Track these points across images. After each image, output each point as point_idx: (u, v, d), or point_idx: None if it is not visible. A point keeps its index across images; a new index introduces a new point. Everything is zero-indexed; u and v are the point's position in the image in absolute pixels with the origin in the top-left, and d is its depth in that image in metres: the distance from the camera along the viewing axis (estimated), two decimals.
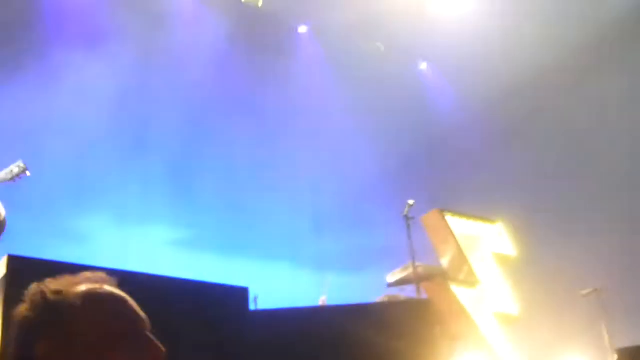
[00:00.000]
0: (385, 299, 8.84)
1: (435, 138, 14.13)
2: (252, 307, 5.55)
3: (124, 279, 1.75)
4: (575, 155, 12.74)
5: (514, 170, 13.12)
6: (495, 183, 12.64)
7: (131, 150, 11.85)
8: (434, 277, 9.07)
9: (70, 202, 11.13)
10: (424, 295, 8.74)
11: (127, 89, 11.74)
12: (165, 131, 12.30)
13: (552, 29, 12.79)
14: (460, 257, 9.25)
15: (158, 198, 11.94)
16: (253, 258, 12.53)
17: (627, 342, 8.43)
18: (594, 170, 12.25)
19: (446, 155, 13.95)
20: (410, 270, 8.74)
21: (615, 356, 7.57)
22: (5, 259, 3.72)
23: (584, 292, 10.12)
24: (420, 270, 8.77)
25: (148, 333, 1.66)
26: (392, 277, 9.20)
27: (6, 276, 3.65)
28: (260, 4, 13.31)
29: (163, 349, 1.65)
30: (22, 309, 1.63)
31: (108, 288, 1.68)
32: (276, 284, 10.84)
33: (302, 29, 14.02)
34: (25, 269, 3.63)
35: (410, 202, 8.88)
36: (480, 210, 10.20)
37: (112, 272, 1.76)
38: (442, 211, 9.55)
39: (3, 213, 5.95)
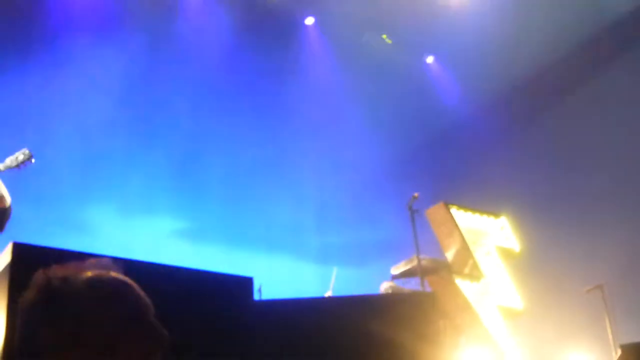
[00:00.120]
0: (387, 286, 8.87)
1: (440, 131, 14.11)
2: (256, 297, 5.56)
3: (129, 267, 1.75)
4: (581, 150, 12.71)
5: (519, 165, 13.10)
6: (500, 177, 12.63)
7: (137, 141, 11.85)
8: (438, 270, 9.08)
9: (75, 192, 11.14)
10: (428, 289, 8.75)
11: (135, 79, 11.74)
12: (171, 122, 12.31)
13: (559, 23, 12.74)
14: (465, 251, 9.24)
15: (163, 189, 11.94)
16: (257, 250, 12.53)
17: (631, 337, 8.42)
18: (599, 166, 12.23)
19: (451, 148, 13.93)
20: (414, 263, 8.75)
21: (619, 352, 7.55)
22: (10, 247, 3.72)
23: (587, 288, 10.12)
24: (424, 263, 8.77)
25: (152, 319, 1.66)
26: (396, 270, 9.21)
27: (11, 263, 3.65)
28: None
29: (166, 334, 1.65)
30: (28, 295, 1.63)
31: (114, 274, 1.68)
32: (280, 276, 10.85)
33: (309, 21, 13.99)
34: (30, 257, 3.62)
35: (415, 195, 8.87)
36: (485, 204, 10.20)
37: (116, 261, 1.75)
38: (447, 204, 9.54)
39: (9, 200, 5.97)
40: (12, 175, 6.19)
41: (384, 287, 9.20)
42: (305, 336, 4.86)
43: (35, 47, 11.02)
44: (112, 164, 11.63)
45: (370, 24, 13.85)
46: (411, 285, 9.07)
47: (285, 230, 12.95)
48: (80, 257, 1.74)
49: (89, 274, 1.64)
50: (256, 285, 5.01)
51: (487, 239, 9.70)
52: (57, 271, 1.64)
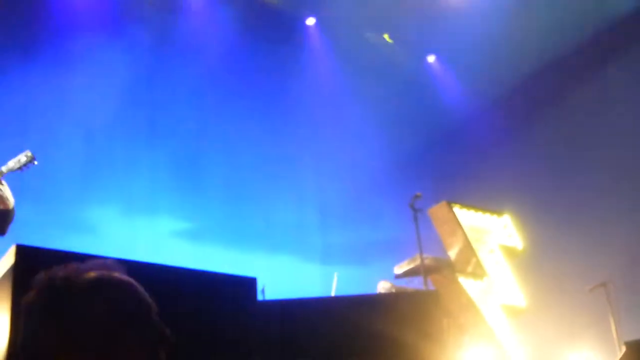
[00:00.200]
0: (385, 285, 8.87)
1: (443, 130, 14.12)
2: (259, 297, 5.55)
3: (131, 268, 1.75)
4: (583, 148, 12.71)
5: (521, 163, 13.10)
6: (503, 176, 12.63)
7: (139, 141, 11.85)
8: (441, 269, 9.08)
9: (77, 193, 11.15)
10: (431, 287, 8.74)
11: (136, 80, 11.75)
12: (173, 123, 12.32)
13: (561, 22, 12.74)
14: (468, 250, 9.24)
15: (165, 189, 11.95)
16: (259, 250, 12.53)
17: (635, 335, 8.41)
18: (601, 163, 12.22)
19: (454, 147, 13.94)
20: (417, 262, 8.74)
21: (623, 349, 7.54)
22: (13, 249, 3.71)
23: (591, 286, 10.11)
24: (427, 262, 8.77)
25: (155, 319, 1.66)
26: (399, 269, 9.21)
27: (14, 266, 3.64)
28: None
29: (170, 334, 1.65)
30: (30, 296, 1.63)
31: (116, 274, 1.68)
32: (283, 277, 10.85)
33: (310, 21, 13.99)
34: (33, 259, 3.62)
35: (418, 194, 8.87)
36: (487, 203, 10.19)
37: (119, 262, 1.75)
38: (450, 203, 9.53)
39: (12, 201, 5.97)
40: (15, 177, 6.20)
41: (381, 285, 9.21)
42: (309, 336, 4.86)
43: (37, 47, 11.04)
44: (114, 165, 11.63)
45: (371, 23, 13.86)
46: (414, 284, 9.08)
47: (287, 230, 12.95)
48: (84, 258, 1.74)
49: (92, 274, 1.64)
50: (260, 286, 5.00)
51: (490, 238, 9.69)
52: (59, 272, 1.64)
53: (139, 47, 11.89)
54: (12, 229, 6.03)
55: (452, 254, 9.34)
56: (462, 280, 8.96)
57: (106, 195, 11.54)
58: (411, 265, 9.00)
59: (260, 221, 12.81)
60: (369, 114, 13.48)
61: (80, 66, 11.28)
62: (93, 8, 11.67)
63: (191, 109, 12.45)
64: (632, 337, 8.23)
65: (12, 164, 6.17)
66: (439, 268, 9.06)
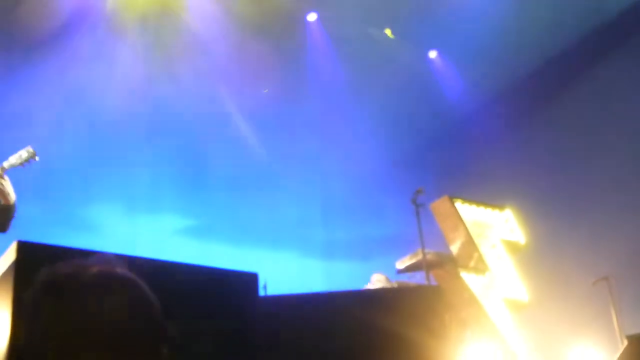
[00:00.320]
0: (379, 279, 8.88)
1: (444, 125, 14.12)
2: (261, 293, 5.55)
3: (132, 264, 1.75)
4: (586, 142, 12.70)
5: (523, 157, 13.09)
6: (505, 170, 12.63)
7: (142, 138, 11.86)
8: (443, 264, 9.07)
9: (80, 190, 11.17)
10: (433, 283, 8.74)
11: (140, 77, 11.76)
12: (176, 120, 12.32)
13: (561, 17, 12.73)
14: (470, 244, 9.24)
15: (168, 187, 11.96)
16: (262, 246, 12.55)
17: (638, 329, 8.41)
18: (604, 157, 12.22)
19: (456, 142, 13.94)
20: (419, 257, 8.74)
21: (625, 343, 7.55)
22: (15, 245, 3.72)
23: (593, 280, 10.11)
24: (429, 257, 8.77)
25: (158, 314, 1.66)
26: (401, 264, 9.21)
27: (16, 262, 3.65)
28: None
29: (172, 330, 1.66)
30: (33, 291, 1.63)
31: (119, 270, 1.68)
32: (285, 273, 10.87)
33: (312, 17, 13.99)
34: (35, 255, 3.63)
35: (420, 189, 8.87)
36: (489, 197, 10.20)
37: (121, 258, 1.75)
38: (452, 198, 9.53)
39: (13, 197, 5.98)
40: (16, 173, 6.20)
41: (376, 278, 9.22)
42: (311, 331, 4.86)
43: (41, 46, 11.05)
44: (117, 162, 11.65)
45: (373, 19, 13.84)
46: (416, 279, 9.08)
47: (290, 226, 12.97)
48: (86, 255, 1.74)
49: (95, 270, 1.64)
50: (261, 282, 5.00)
51: (492, 232, 9.70)
52: (62, 268, 1.64)
53: (142, 45, 11.90)
54: (14, 226, 6.04)
55: (454, 248, 9.34)
56: (464, 275, 8.96)
57: (109, 192, 11.56)
58: (413, 260, 9.00)
59: (263, 217, 12.83)
60: (371, 110, 13.48)
61: (84, 64, 11.30)
62: (95, 7, 11.68)
63: (193, 105, 12.46)
64: (634, 331, 8.23)
65: (13, 159, 6.18)
66: (441, 263, 9.06)
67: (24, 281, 3.41)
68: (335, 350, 4.90)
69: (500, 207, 9.98)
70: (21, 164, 6.22)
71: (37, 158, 6.29)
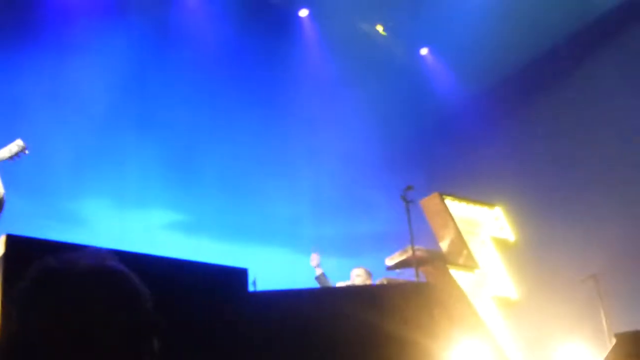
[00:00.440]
0: (384, 282, 8.86)
1: (435, 122, 14.16)
2: (250, 289, 5.56)
3: (122, 258, 1.75)
4: (575, 140, 12.74)
5: (513, 154, 13.14)
6: (495, 167, 12.67)
7: (132, 133, 11.83)
8: (433, 260, 9.07)
9: (69, 184, 11.12)
10: (422, 279, 8.75)
11: (130, 72, 11.74)
12: (166, 115, 12.30)
13: (552, 14, 12.77)
14: (460, 241, 9.24)
15: (158, 181, 11.93)
16: (252, 242, 12.54)
17: (625, 326, 8.44)
18: (594, 155, 12.27)
19: (446, 139, 13.97)
20: (409, 254, 8.74)
21: (613, 340, 7.58)
22: (3, 239, 3.71)
23: (581, 278, 10.15)
24: (419, 253, 8.76)
25: (148, 306, 1.66)
26: (391, 261, 9.20)
27: (5, 256, 3.64)
28: None
29: (162, 321, 1.66)
30: (23, 284, 1.63)
31: (110, 263, 1.68)
32: (274, 269, 10.85)
33: (303, 13, 13.98)
34: (24, 249, 3.63)
35: (410, 186, 8.86)
36: (479, 195, 10.21)
37: (112, 252, 1.75)
38: (442, 195, 9.53)
39: (2, 191, 5.96)
40: (6, 167, 6.18)
41: (355, 273, 9.22)
42: (300, 327, 4.87)
43: (30, 37, 10.99)
44: (107, 156, 11.61)
45: (365, 15, 13.85)
46: (405, 275, 9.08)
47: (280, 222, 12.95)
48: (75, 249, 1.74)
49: (86, 263, 1.64)
50: (251, 278, 5.00)
51: (481, 230, 9.70)
52: (52, 261, 1.64)
53: (132, 40, 11.87)
54: (2, 218, 6.02)
55: (444, 245, 9.34)
56: (454, 272, 8.96)
57: (98, 186, 11.52)
58: (403, 257, 8.99)
59: (253, 213, 12.82)
60: (362, 106, 13.49)
61: (75, 56, 11.27)
62: None
63: (184, 101, 12.45)
64: (622, 328, 8.26)
65: (3, 153, 6.16)
66: (430, 260, 9.06)
67: (13, 274, 3.40)
68: (324, 345, 4.91)
69: (490, 204, 9.98)
70: (11, 157, 6.20)
71: (27, 151, 6.27)
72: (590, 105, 12.55)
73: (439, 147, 13.92)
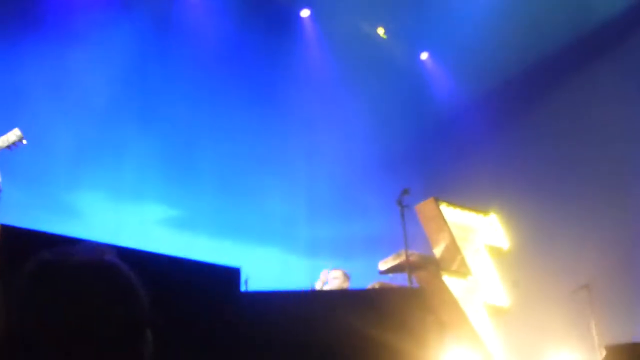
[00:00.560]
0: (377, 286, 8.85)
1: (433, 126, 14.16)
2: (242, 288, 5.55)
3: (117, 253, 1.75)
4: (571, 147, 12.78)
5: (510, 162, 13.15)
6: (491, 174, 12.67)
7: (130, 127, 11.81)
8: (426, 266, 9.07)
9: (66, 176, 11.10)
10: (415, 284, 8.75)
11: (129, 67, 11.73)
12: (165, 110, 12.29)
13: (550, 21, 12.81)
14: (453, 248, 9.24)
15: (154, 176, 11.92)
16: (246, 241, 12.54)
17: (616, 338, 8.45)
18: (592, 162, 12.31)
19: (444, 144, 13.97)
20: (402, 258, 8.74)
21: (604, 352, 7.58)
22: None
23: (573, 288, 10.15)
24: (412, 258, 8.76)
25: (143, 300, 1.67)
26: (384, 265, 9.20)
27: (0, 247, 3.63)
28: None
29: (155, 317, 1.66)
30: (19, 279, 1.63)
31: (107, 258, 1.69)
32: (267, 269, 10.85)
33: (305, 13, 13.99)
34: (19, 240, 3.62)
35: (406, 189, 8.86)
36: (476, 200, 10.21)
37: (108, 246, 1.75)
38: (437, 200, 9.53)
39: None
40: (2, 156, 6.17)
41: (332, 275, 9.18)
42: (291, 329, 4.86)
43: (32, 28, 10.98)
44: (104, 149, 11.60)
45: (366, 17, 13.86)
46: (397, 280, 9.07)
47: (275, 222, 12.95)
48: (70, 241, 1.74)
49: (82, 257, 1.64)
50: (243, 277, 4.99)
51: (476, 236, 9.70)
52: (49, 255, 1.64)
53: (135, 33, 11.87)
54: None
55: (438, 251, 9.34)
56: (447, 278, 8.96)
57: (95, 179, 11.50)
58: (396, 262, 8.99)
59: (248, 212, 12.81)
60: (361, 108, 13.49)
61: (77, 48, 11.25)
62: None
63: (184, 97, 12.45)
64: (612, 340, 8.27)
65: (0, 142, 6.15)
66: (423, 265, 9.06)
67: (8, 266, 3.39)
68: (314, 347, 4.91)
69: (485, 211, 9.99)
70: (8, 147, 6.19)
71: (24, 141, 6.27)
72: (589, 113, 12.58)
73: (437, 151, 13.92)
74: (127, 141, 11.74)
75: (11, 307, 1.62)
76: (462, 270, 9.15)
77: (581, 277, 10.40)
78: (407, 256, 8.61)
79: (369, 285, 8.94)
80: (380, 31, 14.28)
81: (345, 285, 9.13)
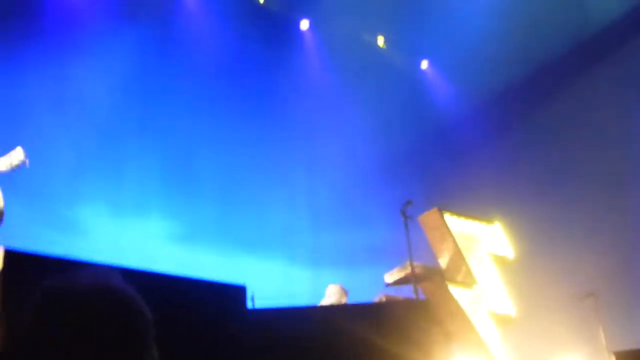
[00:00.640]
0: (383, 299, 8.82)
1: (434, 134, 14.16)
2: (249, 305, 5.52)
3: (122, 275, 1.73)
4: (573, 154, 12.77)
5: (512, 169, 13.14)
6: (493, 182, 12.65)
7: (130, 142, 11.81)
8: (431, 277, 9.03)
9: (66, 192, 11.08)
10: (421, 296, 8.71)
11: (128, 81, 11.74)
12: (165, 124, 12.28)
13: (551, 30, 12.83)
14: (458, 257, 9.20)
15: (155, 191, 11.91)
16: (249, 253, 12.50)
17: (624, 344, 8.43)
18: (588, 168, 12.30)
19: (445, 151, 13.96)
20: (408, 271, 8.70)
21: (612, 359, 7.56)
22: (1, 253, 3.67)
23: (580, 296, 10.12)
24: (418, 270, 8.73)
25: (150, 327, 1.65)
26: (390, 278, 9.15)
27: (3, 271, 3.60)
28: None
29: (163, 341, 1.66)
30: (28, 305, 1.62)
31: (113, 283, 1.67)
32: (272, 280, 10.83)
33: (304, 23, 14.01)
34: (22, 264, 3.59)
35: (409, 201, 8.83)
36: (478, 207, 10.19)
37: (115, 270, 1.73)
38: (441, 210, 9.50)
39: (2, 204, 5.93)
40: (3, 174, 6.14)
41: (330, 291, 9.13)
42: (299, 345, 4.84)
43: (32, 40, 10.98)
44: (104, 165, 11.59)
45: (365, 26, 13.88)
46: (403, 292, 9.03)
47: (278, 233, 12.92)
48: (73, 264, 1.71)
49: (88, 283, 1.63)
50: (249, 293, 4.97)
51: (480, 246, 9.67)
52: (55, 281, 1.63)
53: (135, 45, 11.88)
54: None
55: (443, 261, 9.31)
56: (452, 288, 8.92)
57: (96, 194, 11.48)
58: (402, 274, 8.95)
59: (251, 223, 12.78)
60: (361, 117, 13.50)
61: (76, 60, 11.28)
62: (86, 4, 11.65)
63: (185, 109, 12.44)
64: (620, 346, 8.24)
65: (3, 166, 6.12)
66: (429, 276, 9.02)
67: (11, 290, 3.36)
68: None
69: (489, 220, 9.95)
70: (11, 169, 6.16)
71: (27, 164, 6.24)
72: (589, 117, 12.58)
73: (438, 159, 13.91)
74: (128, 154, 11.73)
75: (16, 336, 1.61)
76: (468, 280, 9.12)
77: (585, 283, 10.36)
78: (412, 268, 8.58)
79: (375, 298, 8.89)
80: (380, 41, 14.30)
81: (344, 300, 9.08)
